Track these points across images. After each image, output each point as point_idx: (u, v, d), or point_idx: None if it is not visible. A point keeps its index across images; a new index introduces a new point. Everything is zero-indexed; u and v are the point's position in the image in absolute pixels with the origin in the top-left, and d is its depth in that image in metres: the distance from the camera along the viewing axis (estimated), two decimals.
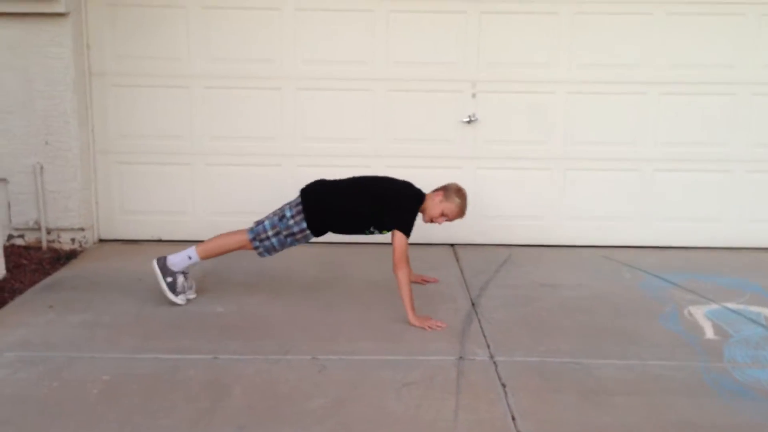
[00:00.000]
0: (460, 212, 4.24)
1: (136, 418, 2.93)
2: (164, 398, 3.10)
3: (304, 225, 4.09)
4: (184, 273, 4.18)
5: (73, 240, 5.29)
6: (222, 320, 4.02)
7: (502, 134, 5.49)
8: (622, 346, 3.74)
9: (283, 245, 4.17)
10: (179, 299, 4.16)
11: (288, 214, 4.11)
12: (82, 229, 5.30)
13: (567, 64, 5.39)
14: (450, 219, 4.24)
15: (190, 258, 4.13)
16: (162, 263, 4.12)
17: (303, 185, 5.48)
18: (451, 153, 5.51)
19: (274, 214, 4.18)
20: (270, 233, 4.12)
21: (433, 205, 4.19)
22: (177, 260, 4.13)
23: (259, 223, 4.18)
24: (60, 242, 5.29)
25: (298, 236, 4.14)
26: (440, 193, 4.21)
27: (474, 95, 5.43)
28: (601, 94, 5.43)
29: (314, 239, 4.24)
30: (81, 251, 5.28)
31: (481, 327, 3.98)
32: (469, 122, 5.45)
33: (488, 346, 3.72)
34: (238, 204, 5.51)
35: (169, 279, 4.12)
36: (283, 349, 3.64)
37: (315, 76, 5.38)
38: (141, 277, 4.64)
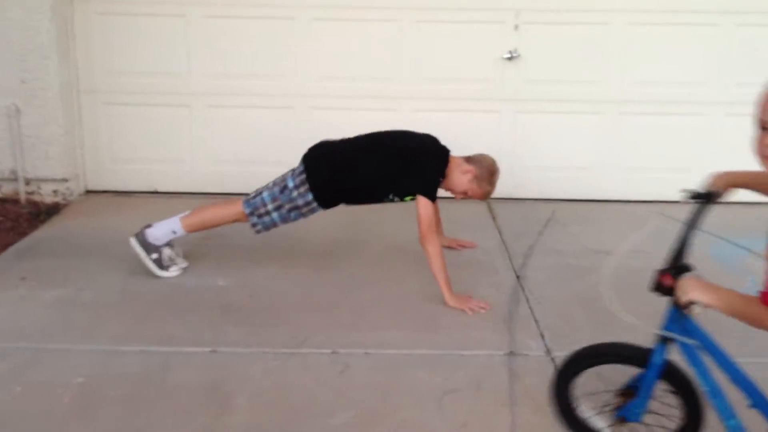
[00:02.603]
0: (484, 198, 3.62)
1: None
2: (151, 411, 2.49)
3: (310, 197, 3.43)
4: (169, 243, 3.56)
5: (55, 192, 4.65)
6: (223, 297, 3.40)
7: (547, 73, 4.75)
8: None
9: (285, 220, 3.52)
10: (170, 273, 3.55)
11: (290, 184, 3.45)
12: (66, 180, 4.65)
13: None
14: (472, 183, 3.55)
15: (174, 232, 3.50)
16: (142, 239, 3.49)
17: (317, 131, 4.81)
18: (488, 94, 4.78)
19: (275, 183, 3.51)
20: (270, 207, 3.46)
21: (459, 178, 3.52)
22: (159, 234, 3.50)
23: (257, 193, 3.51)
24: (41, 194, 4.64)
25: (304, 210, 3.48)
26: (472, 169, 3.50)
27: (517, 27, 4.67)
28: (665, 25, 4.66)
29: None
30: (65, 205, 4.64)
31: (530, 308, 3.35)
32: (510, 59, 4.70)
33: (542, 336, 3.09)
34: (244, 151, 4.85)
35: (154, 255, 3.50)
36: (297, 339, 3.02)
37: (331, 4, 4.62)
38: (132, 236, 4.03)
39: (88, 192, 4.89)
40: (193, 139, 4.84)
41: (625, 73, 4.73)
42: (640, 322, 2.01)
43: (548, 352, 2.96)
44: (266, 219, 3.48)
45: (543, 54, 4.71)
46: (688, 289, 1.80)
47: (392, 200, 3.53)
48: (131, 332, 3.03)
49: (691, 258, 3.93)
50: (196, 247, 3.86)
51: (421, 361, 2.87)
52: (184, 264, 3.65)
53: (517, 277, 3.71)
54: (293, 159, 4.72)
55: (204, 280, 3.56)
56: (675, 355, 2.06)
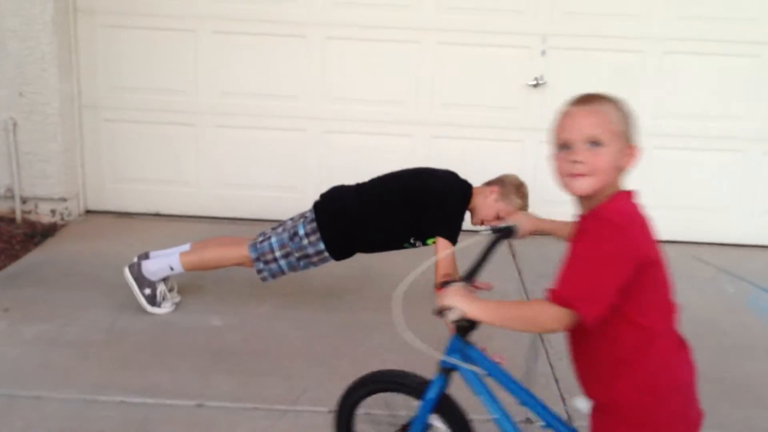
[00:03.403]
0: (512, 187, 3.27)
1: None
2: None
3: (322, 246, 3.17)
4: (164, 279, 3.31)
5: (53, 212, 4.43)
6: (216, 340, 3.14)
7: None
8: (745, 409, 2.80)
9: (294, 269, 3.26)
10: (162, 309, 3.30)
11: (301, 231, 3.19)
12: (64, 199, 4.43)
13: (663, 17, 4.32)
14: (498, 203, 3.25)
15: (172, 269, 3.25)
16: (137, 272, 3.25)
17: (330, 156, 4.61)
18: (511, 123, 4.51)
19: (284, 228, 3.25)
20: (278, 254, 3.20)
21: (486, 204, 3.24)
22: (155, 268, 3.25)
23: (264, 237, 3.25)
24: (38, 213, 4.42)
25: (314, 259, 3.23)
26: (495, 189, 3.24)
27: (543, 53, 4.40)
28: (703, 54, 4.36)
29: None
30: (62, 225, 4.42)
31: (551, 366, 3.06)
32: (535, 86, 4.43)
33: (563, 400, 2.80)
34: (252, 174, 4.61)
35: (147, 291, 3.26)
36: (293, 392, 2.75)
37: (348, 23, 4.37)
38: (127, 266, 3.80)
39: (88, 212, 4.67)
40: (198, 160, 4.60)
41: (659, 104, 4.44)
42: (431, 350, 1.88)
43: (569, 420, 2.66)
44: (273, 266, 3.22)
45: (571, 81, 4.41)
46: (448, 295, 1.69)
47: (414, 245, 3.27)
48: (112, 378, 2.78)
49: (726, 309, 3.67)
50: (193, 279, 3.61)
51: None
52: (177, 299, 3.41)
53: None
54: (305, 184, 4.54)
55: (197, 319, 3.30)
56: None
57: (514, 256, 4.31)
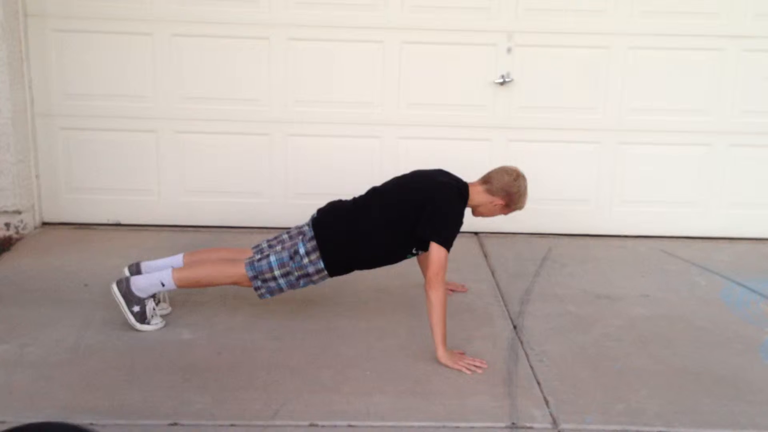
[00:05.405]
0: (518, 196, 3.15)
1: None
2: None
3: (322, 265, 3.08)
4: (154, 295, 3.19)
5: (7, 225, 4.24)
6: (188, 354, 3.01)
7: (542, 99, 4.43)
8: (726, 403, 2.77)
9: (293, 287, 3.16)
10: (152, 326, 3.18)
11: (302, 250, 3.08)
12: (19, 212, 4.24)
13: (628, 12, 4.31)
14: (504, 209, 3.20)
15: (163, 285, 3.12)
16: (125, 288, 3.10)
17: (296, 160, 4.56)
18: (478, 121, 4.46)
19: (283, 247, 3.14)
20: (277, 273, 3.09)
21: (477, 193, 3.18)
22: (145, 284, 3.11)
23: (261, 255, 3.13)
24: None
25: (315, 278, 3.14)
26: (484, 177, 3.21)
27: (509, 50, 4.35)
28: (668, 49, 4.36)
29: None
30: (18, 239, 4.24)
31: (531, 367, 3.00)
32: (502, 83, 4.38)
33: (546, 402, 2.75)
34: (217, 181, 4.48)
35: (137, 308, 3.12)
36: (270, 407, 2.65)
37: (311, 23, 4.27)
38: (88, 282, 3.66)
39: (45, 224, 4.49)
40: (159, 167, 4.45)
41: (625, 100, 4.43)
42: None
43: (555, 423, 2.61)
44: (272, 284, 3.12)
45: (538, 79, 4.39)
46: None
47: (416, 254, 3.21)
48: (79, 400, 2.64)
49: (700, 302, 3.67)
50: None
51: None
52: (167, 310, 3.31)
53: (514, 326, 3.37)
54: (270, 189, 4.46)
55: (165, 333, 3.17)
56: None
57: (486, 256, 4.26)
